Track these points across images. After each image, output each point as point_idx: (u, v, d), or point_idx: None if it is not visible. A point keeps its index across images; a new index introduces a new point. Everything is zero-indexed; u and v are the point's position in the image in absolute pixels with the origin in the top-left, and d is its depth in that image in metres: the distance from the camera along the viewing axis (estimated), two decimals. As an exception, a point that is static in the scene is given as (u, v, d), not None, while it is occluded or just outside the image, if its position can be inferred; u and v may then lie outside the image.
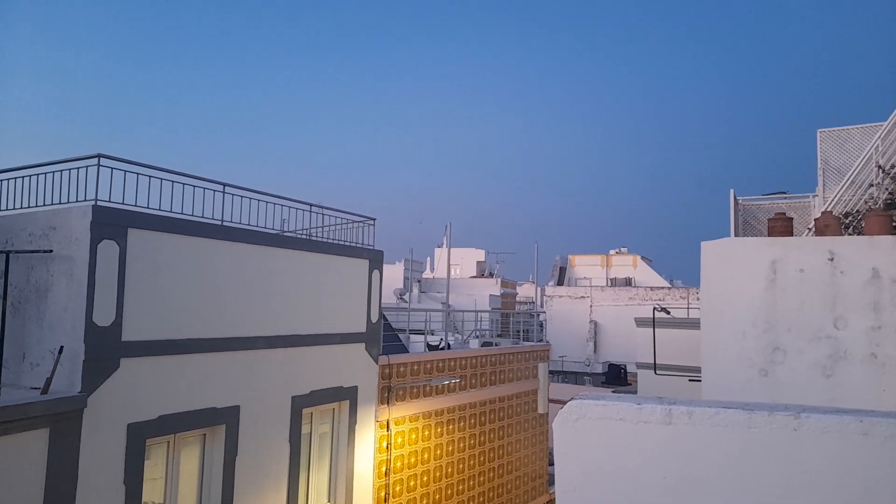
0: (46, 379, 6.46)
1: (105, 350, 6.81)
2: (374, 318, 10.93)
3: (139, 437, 7.13)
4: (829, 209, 8.27)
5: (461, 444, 13.13)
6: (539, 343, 17.76)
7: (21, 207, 7.66)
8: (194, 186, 7.97)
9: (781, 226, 7.00)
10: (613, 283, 43.74)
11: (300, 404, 9.34)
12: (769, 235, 7.02)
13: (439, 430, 12.44)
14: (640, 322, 17.68)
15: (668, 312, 16.56)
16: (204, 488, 8.13)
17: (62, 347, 6.62)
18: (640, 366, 17.35)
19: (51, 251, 6.97)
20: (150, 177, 7.47)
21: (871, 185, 8.42)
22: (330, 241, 10.51)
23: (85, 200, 7.01)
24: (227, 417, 8.21)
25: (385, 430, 11.02)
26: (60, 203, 7.23)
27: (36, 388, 6.58)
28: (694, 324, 14.14)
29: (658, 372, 14.19)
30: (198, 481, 8.12)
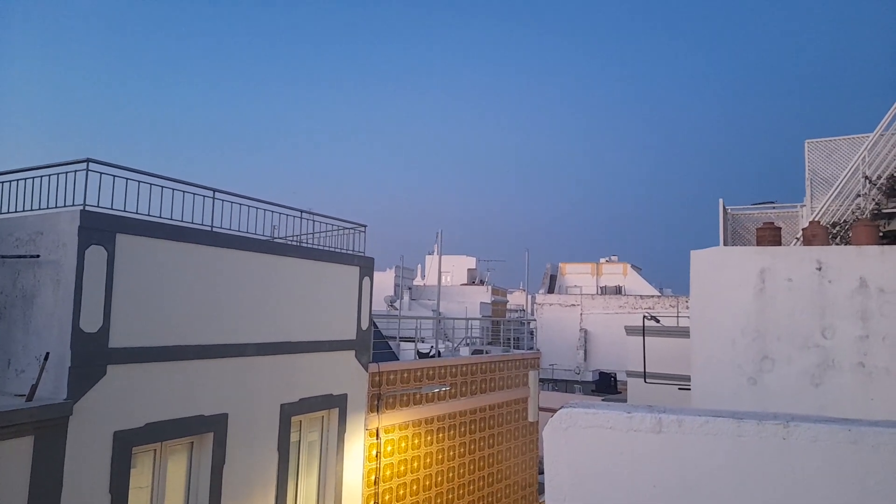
0: (32, 385, 6.38)
1: (92, 356, 6.74)
2: (365, 325, 10.89)
3: (126, 445, 7.04)
4: (816, 219, 8.34)
5: (451, 453, 13.08)
6: (529, 351, 17.76)
7: (8, 212, 7.59)
8: (184, 192, 7.92)
9: (770, 235, 7.04)
10: (604, 291, 43.87)
11: (289, 412, 9.27)
12: (758, 245, 7.06)
13: (429, 438, 12.39)
14: (630, 330, 17.71)
15: (658, 321, 16.61)
16: (191, 497, 8.04)
17: (48, 354, 6.54)
18: (630, 374, 17.36)
19: (38, 256, 6.90)
20: (139, 182, 7.42)
21: (859, 196, 8.50)
22: (320, 247, 10.47)
23: (73, 205, 6.95)
24: (215, 425, 8.14)
25: (375, 438, 10.96)
26: (48, 208, 7.16)
27: (21, 395, 6.50)
28: (684, 332, 14.18)
29: (648, 380, 14.21)
30: (185, 490, 8.04)
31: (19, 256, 7.01)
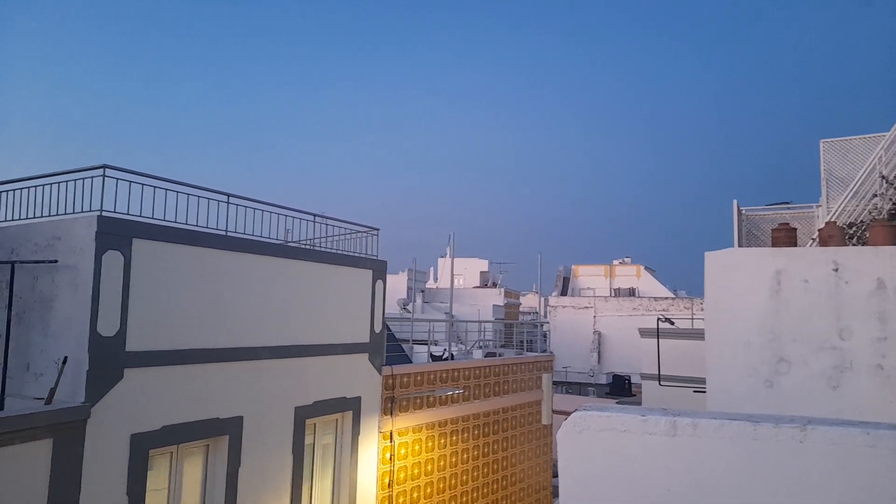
0: (50, 389, 6.47)
1: (109, 360, 6.81)
2: (378, 328, 10.92)
3: (142, 448, 7.12)
4: (832, 219, 8.26)
5: (465, 456, 13.07)
6: (543, 353, 17.71)
7: (26, 218, 7.70)
8: (199, 197, 8.00)
9: (785, 236, 6.98)
10: (617, 293, 43.64)
11: (303, 415, 9.32)
12: (773, 246, 7.00)
13: (443, 440, 12.39)
14: (645, 333, 17.62)
15: (673, 323, 16.52)
16: (207, 499, 8.10)
17: (66, 357, 6.63)
18: (644, 377, 17.27)
19: (55, 261, 7.00)
20: (154, 187, 7.51)
21: (875, 196, 8.40)
22: (333, 251, 10.53)
23: (90, 211, 7.05)
24: (231, 428, 8.20)
25: (388, 440, 10.98)
26: (65, 213, 7.27)
27: (40, 399, 6.59)
28: (698, 334, 14.08)
29: (662, 383, 14.13)
30: (201, 493, 8.10)
31: (38, 262, 7.11)
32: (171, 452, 7.70)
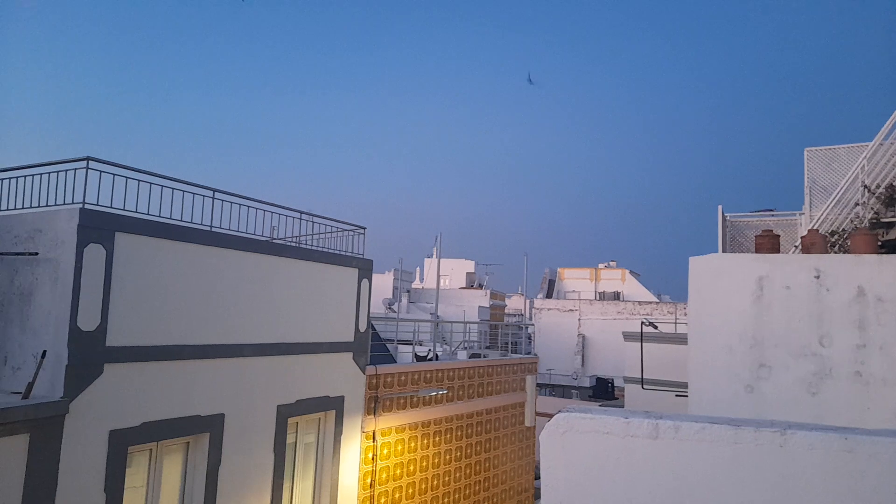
0: (28, 383, 6.37)
1: (89, 355, 6.73)
2: (363, 327, 10.89)
3: (121, 445, 7.03)
4: (815, 227, 8.36)
5: (447, 457, 13.06)
6: (527, 355, 17.75)
7: (7, 209, 7.59)
8: (184, 192, 7.93)
9: (768, 243, 7.06)
10: (602, 296, 43.88)
11: (286, 413, 9.26)
12: (756, 252, 7.07)
13: (426, 441, 12.38)
14: (628, 336, 17.72)
15: (656, 327, 16.62)
16: (186, 498, 8.02)
17: (45, 352, 6.53)
18: (627, 380, 17.36)
19: (36, 254, 6.90)
20: (138, 181, 7.43)
21: (857, 205, 8.51)
22: (319, 249, 10.47)
23: (72, 203, 6.95)
24: (212, 425, 8.12)
25: (371, 440, 10.94)
26: (48, 205, 7.16)
27: (17, 393, 6.48)
28: (681, 339, 14.20)
29: (645, 386, 14.22)
30: (180, 490, 8.02)
31: (18, 254, 7.00)
32: (151, 449, 7.62)
